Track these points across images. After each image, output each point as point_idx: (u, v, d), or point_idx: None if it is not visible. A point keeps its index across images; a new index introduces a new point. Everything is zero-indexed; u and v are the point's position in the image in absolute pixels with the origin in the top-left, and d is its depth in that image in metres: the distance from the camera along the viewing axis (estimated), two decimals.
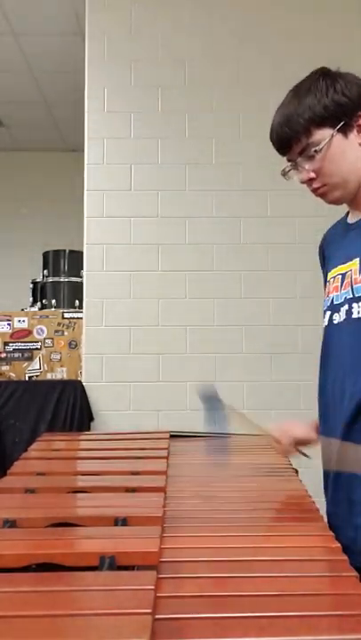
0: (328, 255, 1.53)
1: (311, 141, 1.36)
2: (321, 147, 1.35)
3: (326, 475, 1.41)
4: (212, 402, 1.41)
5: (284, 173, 1.44)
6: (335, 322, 1.40)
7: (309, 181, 1.40)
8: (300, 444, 1.51)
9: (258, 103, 3.52)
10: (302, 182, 1.42)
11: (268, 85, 3.43)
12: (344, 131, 1.36)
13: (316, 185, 1.40)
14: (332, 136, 1.35)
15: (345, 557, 0.96)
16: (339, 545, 1.01)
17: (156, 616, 0.75)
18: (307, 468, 1.65)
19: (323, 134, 1.35)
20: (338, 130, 1.35)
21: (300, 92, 1.38)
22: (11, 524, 1.09)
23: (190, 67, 3.67)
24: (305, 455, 1.52)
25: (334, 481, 1.37)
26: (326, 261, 1.54)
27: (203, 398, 1.42)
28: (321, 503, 1.28)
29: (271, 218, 3.57)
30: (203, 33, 3.68)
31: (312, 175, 1.39)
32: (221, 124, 3.63)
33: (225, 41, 3.67)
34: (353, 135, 1.37)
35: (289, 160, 1.42)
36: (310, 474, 1.56)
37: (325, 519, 1.25)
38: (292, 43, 3.57)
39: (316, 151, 1.36)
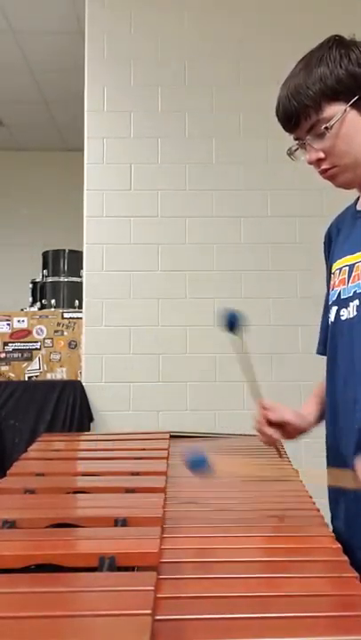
0: (334, 244, 1.42)
1: (322, 117, 1.24)
2: (332, 123, 1.23)
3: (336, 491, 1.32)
4: (201, 468, 1.24)
5: (291, 153, 1.31)
6: (343, 318, 1.31)
7: (318, 162, 1.28)
8: (285, 428, 1.41)
9: (258, 103, 3.52)
10: (310, 163, 1.29)
11: (269, 85, 3.43)
12: (358, 106, 1.24)
13: (325, 166, 1.28)
14: (346, 112, 1.23)
15: (345, 558, 0.95)
16: (339, 546, 1.00)
17: (156, 617, 0.75)
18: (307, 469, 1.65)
19: (335, 110, 1.23)
20: (352, 105, 1.23)
21: (311, 62, 1.26)
22: (10, 524, 1.09)
23: (190, 66, 3.67)
24: (278, 451, 1.45)
25: (349, 499, 1.27)
26: (332, 251, 1.43)
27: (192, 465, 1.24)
28: (321, 504, 1.27)
29: (271, 217, 3.57)
30: (203, 32, 3.68)
31: (321, 155, 1.26)
32: (221, 123, 3.63)
33: (225, 41, 3.67)
34: None
35: (296, 138, 1.30)
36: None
37: (330, 527, 1.22)
38: (292, 43, 3.56)
39: (326, 128, 1.23)
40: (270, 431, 1.40)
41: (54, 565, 0.93)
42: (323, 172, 1.30)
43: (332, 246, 1.43)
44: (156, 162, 3.61)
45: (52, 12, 4.18)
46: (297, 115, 1.26)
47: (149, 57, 3.67)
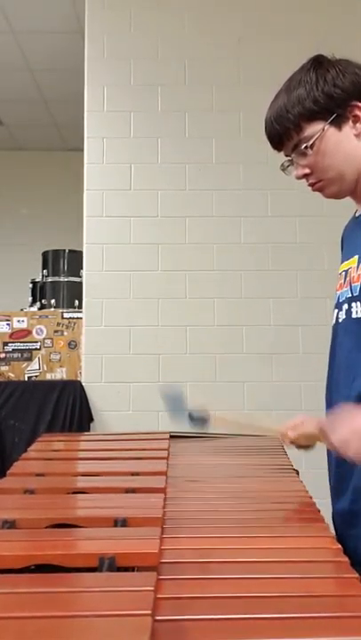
0: (344, 247, 1.49)
1: (303, 137, 1.32)
2: (312, 142, 1.31)
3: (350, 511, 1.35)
4: (175, 403, 1.32)
5: (284, 169, 1.40)
6: (340, 321, 1.37)
7: (305, 177, 1.37)
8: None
9: (258, 102, 3.51)
10: (298, 178, 1.38)
11: (268, 85, 3.43)
12: (338, 123, 1.31)
13: (311, 180, 1.37)
14: (324, 130, 1.30)
15: (346, 559, 0.95)
16: (340, 546, 1.00)
17: (156, 617, 0.75)
18: (308, 469, 1.65)
19: (314, 129, 1.31)
20: (330, 123, 1.31)
21: (292, 84, 1.34)
22: (10, 524, 1.09)
23: (190, 66, 3.67)
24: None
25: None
26: (342, 254, 1.49)
27: (166, 399, 1.32)
28: (321, 504, 1.27)
29: (272, 217, 3.57)
30: (203, 32, 3.67)
31: (307, 171, 1.35)
32: (221, 123, 3.63)
33: (225, 40, 3.67)
34: (348, 127, 1.31)
35: (286, 155, 1.38)
36: (311, 474, 1.56)
37: (332, 528, 1.22)
38: (292, 43, 3.57)
39: (306, 147, 1.31)
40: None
41: (54, 565, 0.92)
42: (311, 186, 1.38)
43: (343, 249, 1.49)
44: (156, 162, 3.61)
45: (52, 12, 4.18)
46: (279, 136, 1.35)
47: (149, 57, 3.67)
